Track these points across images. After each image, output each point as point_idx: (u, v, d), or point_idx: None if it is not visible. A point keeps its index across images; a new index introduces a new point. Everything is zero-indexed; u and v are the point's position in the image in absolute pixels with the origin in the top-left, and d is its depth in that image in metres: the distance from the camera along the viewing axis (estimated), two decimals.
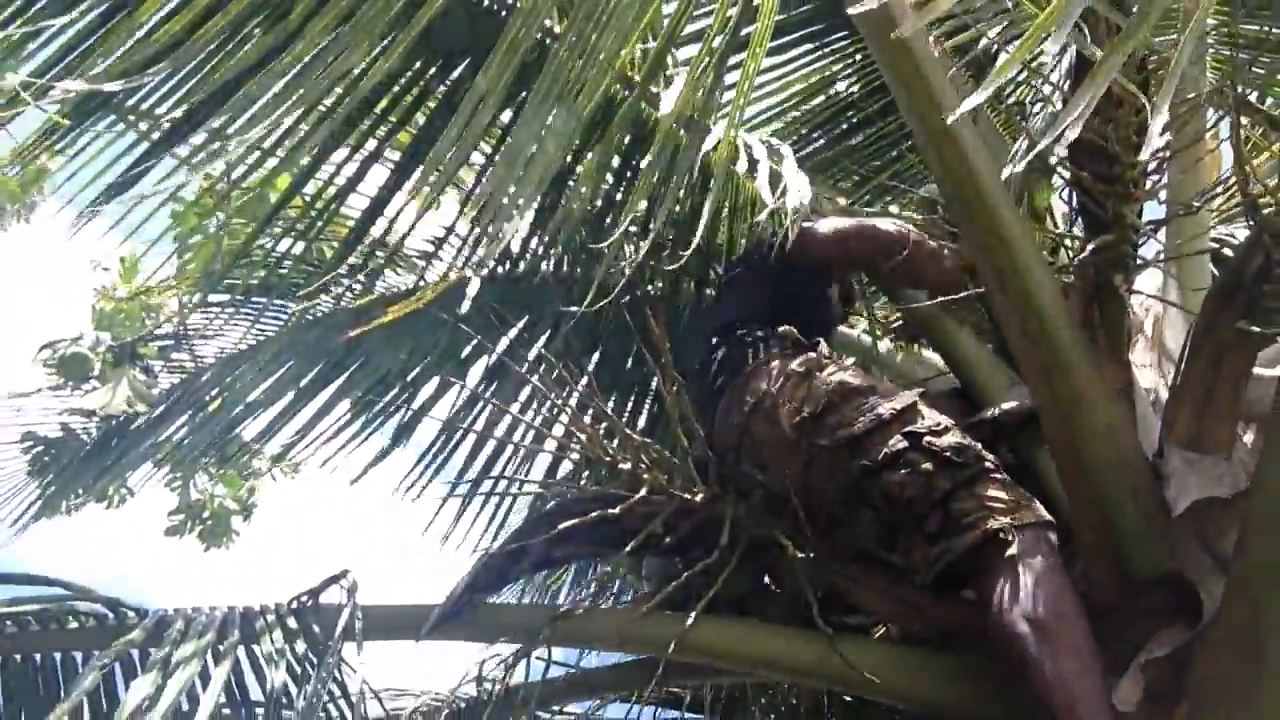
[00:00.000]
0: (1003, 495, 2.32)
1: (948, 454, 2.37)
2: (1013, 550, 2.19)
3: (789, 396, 2.52)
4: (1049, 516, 2.31)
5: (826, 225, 2.92)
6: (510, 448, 4.05)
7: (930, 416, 2.47)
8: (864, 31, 2.51)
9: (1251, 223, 2.33)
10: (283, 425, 4.54)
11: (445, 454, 4.26)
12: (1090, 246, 2.57)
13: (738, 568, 2.60)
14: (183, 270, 4.50)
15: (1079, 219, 2.89)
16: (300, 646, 2.14)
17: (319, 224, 3.57)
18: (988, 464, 2.40)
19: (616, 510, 2.49)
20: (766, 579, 2.79)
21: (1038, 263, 2.42)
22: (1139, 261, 2.86)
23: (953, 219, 2.58)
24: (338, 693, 2.39)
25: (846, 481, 2.42)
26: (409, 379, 4.26)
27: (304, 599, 2.32)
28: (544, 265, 3.99)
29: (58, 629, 2.20)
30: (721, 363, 2.75)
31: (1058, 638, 2.09)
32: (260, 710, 2.06)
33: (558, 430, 3.19)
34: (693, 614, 2.44)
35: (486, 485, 3.96)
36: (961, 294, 2.74)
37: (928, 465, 2.35)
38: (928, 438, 2.40)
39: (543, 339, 4.08)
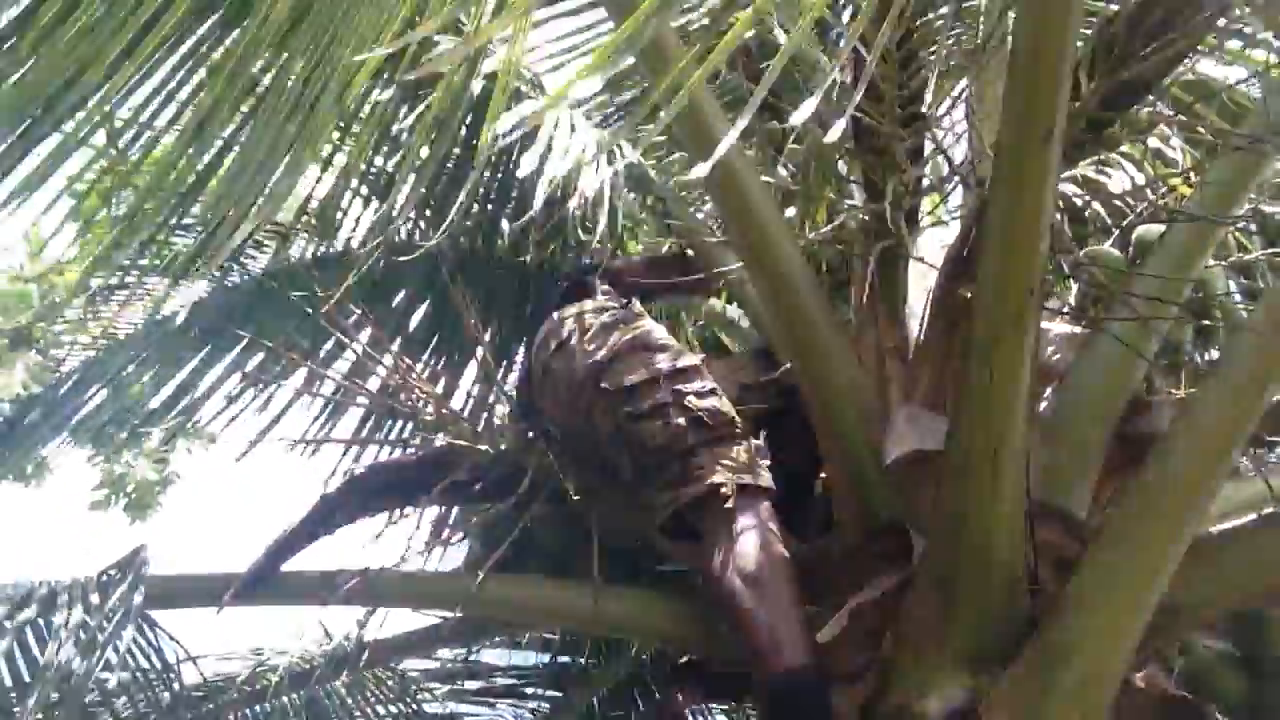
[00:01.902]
0: (740, 459, 2.51)
1: (701, 414, 2.56)
2: (729, 505, 2.40)
3: (590, 341, 2.73)
4: (771, 485, 2.50)
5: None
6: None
7: (705, 381, 2.66)
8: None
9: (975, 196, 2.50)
10: (187, 399, 4.72)
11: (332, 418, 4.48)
12: (840, 217, 2.74)
13: (552, 520, 2.81)
14: (84, 251, 4.64)
15: (863, 189, 3.07)
16: (95, 618, 2.32)
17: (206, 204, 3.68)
18: (736, 430, 2.59)
19: (412, 460, 2.69)
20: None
21: (784, 234, 2.59)
22: (920, 227, 3.05)
23: (708, 195, 2.76)
24: (155, 661, 2.58)
25: (613, 425, 2.61)
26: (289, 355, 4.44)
27: (111, 572, 2.51)
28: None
29: None
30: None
31: (762, 588, 2.30)
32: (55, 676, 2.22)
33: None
34: (480, 572, 2.64)
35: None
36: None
37: (681, 420, 2.54)
38: (690, 397, 2.59)
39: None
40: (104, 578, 2.51)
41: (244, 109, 2.97)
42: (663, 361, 2.66)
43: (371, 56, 2.50)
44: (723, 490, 2.41)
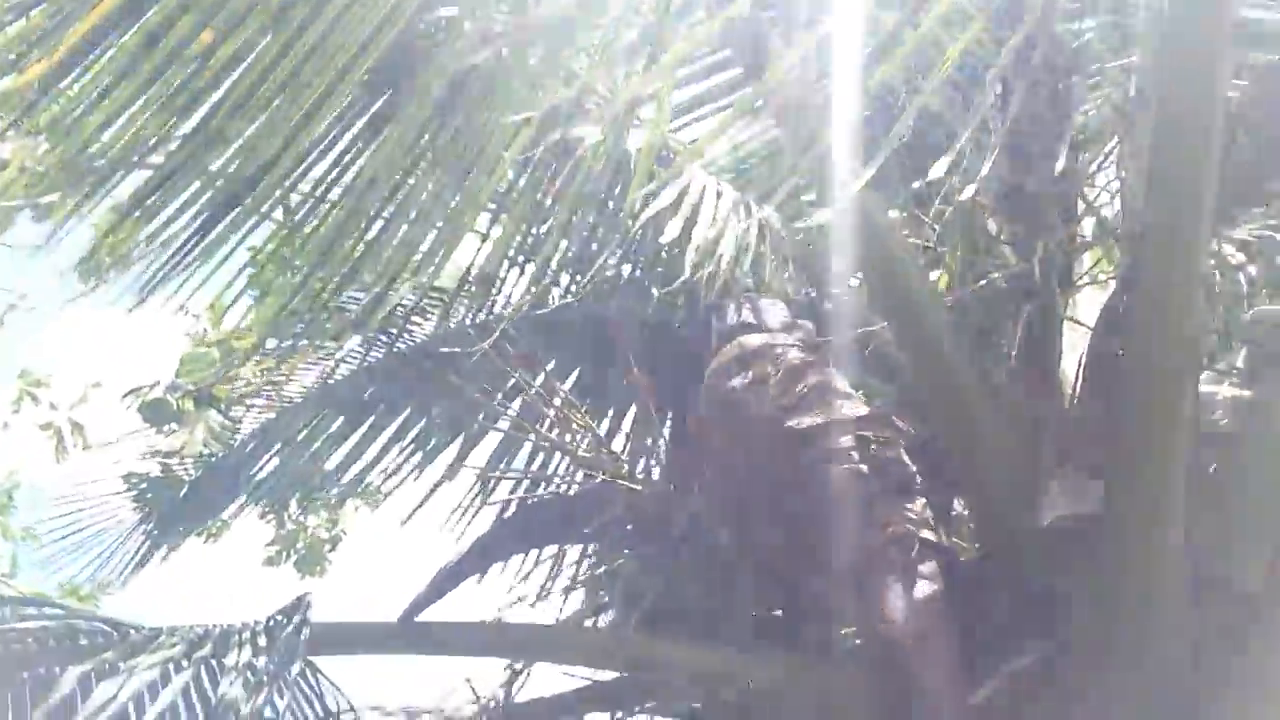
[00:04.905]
0: (918, 513, 2.51)
1: (884, 463, 2.57)
2: (907, 560, 2.38)
3: (780, 383, 2.73)
4: (945, 543, 2.50)
5: None
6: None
7: (888, 431, 2.64)
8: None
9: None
10: (359, 462, 4.89)
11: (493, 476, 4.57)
12: (981, 280, 2.71)
13: (700, 575, 2.83)
14: (259, 317, 4.88)
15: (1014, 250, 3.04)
16: (261, 661, 2.43)
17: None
18: (915, 483, 2.59)
19: (565, 498, 2.75)
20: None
21: (932, 305, 2.59)
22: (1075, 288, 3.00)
23: (859, 268, 2.77)
24: (318, 708, 2.68)
25: (794, 467, 2.61)
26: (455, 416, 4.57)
27: (278, 617, 2.62)
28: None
29: (70, 645, 2.55)
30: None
31: (926, 646, 2.28)
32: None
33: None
34: (623, 625, 2.67)
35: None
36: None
37: (864, 467, 2.55)
38: (875, 445, 2.60)
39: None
40: (271, 622, 2.63)
41: (407, 178, 3.16)
42: (848, 409, 2.66)
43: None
44: (903, 543, 2.41)
